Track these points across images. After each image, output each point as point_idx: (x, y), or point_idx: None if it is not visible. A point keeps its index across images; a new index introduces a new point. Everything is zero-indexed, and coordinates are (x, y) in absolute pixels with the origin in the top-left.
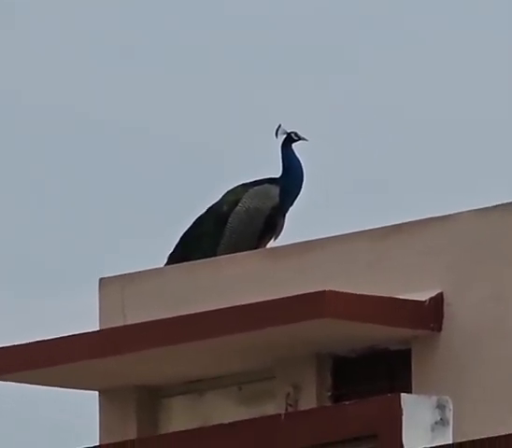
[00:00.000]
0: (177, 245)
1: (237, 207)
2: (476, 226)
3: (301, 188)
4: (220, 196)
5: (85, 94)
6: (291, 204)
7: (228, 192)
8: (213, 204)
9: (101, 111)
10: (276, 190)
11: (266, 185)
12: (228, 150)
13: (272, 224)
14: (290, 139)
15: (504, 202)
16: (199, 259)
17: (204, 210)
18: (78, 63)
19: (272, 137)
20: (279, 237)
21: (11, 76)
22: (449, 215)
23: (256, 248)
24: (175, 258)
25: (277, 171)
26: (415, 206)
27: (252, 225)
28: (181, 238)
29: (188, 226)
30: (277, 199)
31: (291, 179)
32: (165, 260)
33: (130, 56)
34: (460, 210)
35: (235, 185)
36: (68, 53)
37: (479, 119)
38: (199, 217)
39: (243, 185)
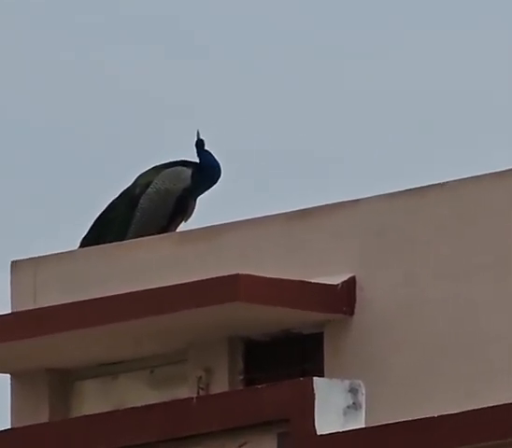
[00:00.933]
0: (90, 229)
1: (148, 189)
2: (386, 210)
3: (216, 180)
4: (133, 180)
5: None
6: (204, 191)
7: (140, 175)
8: (126, 188)
9: None
10: (188, 173)
11: (179, 167)
12: (143, 135)
13: (183, 206)
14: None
15: (414, 186)
16: (111, 242)
17: (117, 194)
18: None
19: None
20: (190, 220)
21: None
22: (360, 199)
23: (167, 230)
24: (88, 241)
25: (192, 155)
26: (327, 190)
27: (163, 206)
28: (94, 222)
29: (102, 210)
30: (189, 181)
31: (206, 170)
32: (79, 244)
33: None
34: (370, 194)
35: (148, 168)
36: None
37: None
38: (112, 201)
39: (155, 167)
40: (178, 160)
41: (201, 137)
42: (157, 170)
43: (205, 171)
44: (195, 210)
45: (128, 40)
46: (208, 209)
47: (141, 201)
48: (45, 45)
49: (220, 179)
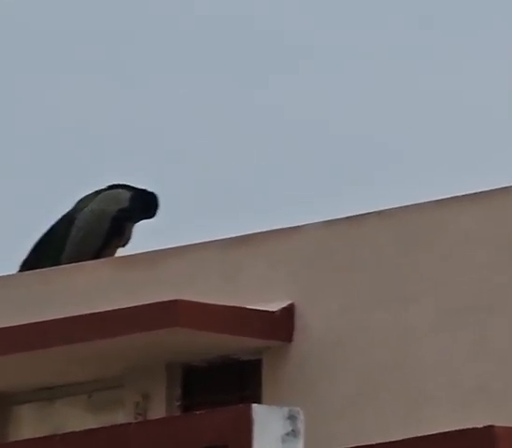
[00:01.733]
0: (29, 253)
1: (85, 209)
2: (324, 237)
3: (153, 209)
4: (74, 203)
5: None
6: (142, 218)
7: (81, 199)
8: (66, 212)
9: None
10: (125, 195)
11: (118, 190)
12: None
13: (118, 227)
14: None
15: (351, 214)
16: (51, 265)
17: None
18: None
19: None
20: (130, 246)
21: None
22: (298, 226)
23: (103, 251)
24: (27, 265)
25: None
26: (265, 217)
27: (97, 225)
28: (34, 245)
29: (41, 234)
30: (126, 203)
31: (145, 196)
32: (18, 268)
33: None
34: (309, 221)
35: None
36: None
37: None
38: (52, 225)
39: (96, 191)
40: (120, 183)
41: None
42: (97, 193)
43: (144, 196)
44: (133, 235)
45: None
46: (147, 235)
47: (76, 220)
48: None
49: (157, 210)
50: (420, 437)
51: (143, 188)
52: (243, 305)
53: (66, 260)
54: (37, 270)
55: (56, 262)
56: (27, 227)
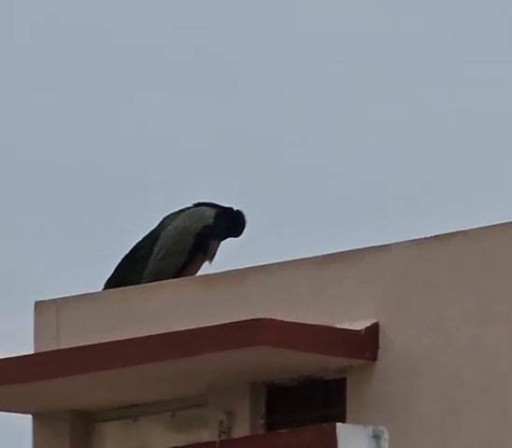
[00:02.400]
0: (114, 271)
1: (169, 226)
2: (411, 256)
3: (240, 228)
4: (160, 221)
5: None
6: (228, 236)
7: (166, 217)
8: (152, 230)
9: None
10: (210, 212)
11: (203, 207)
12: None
13: (203, 243)
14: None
15: (439, 233)
16: (135, 284)
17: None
18: None
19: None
20: (215, 264)
21: None
22: (386, 245)
23: (188, 268)
24: (112, 283)
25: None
26: (354, 235)
27: (181, 242)
28: (119, 263)
29: (127, 251)
30: (211, 220)
31: (232, 215)
32: (103, 286)
33: None
34: (397, 240)
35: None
36: None
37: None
38: (137, 243)
39: (181, 209)
40: (206, 202)
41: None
42: (182, 211)
43: (230, 214)
44: (218, 252)
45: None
46: (234, 252)
47: (160, 237)
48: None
49: (243, 229)
50: None
51: (229, 206)
52: (328, 324)
53: (149, 277)
54: (121, 288)
55: (139, 279)
56: (114, 245)
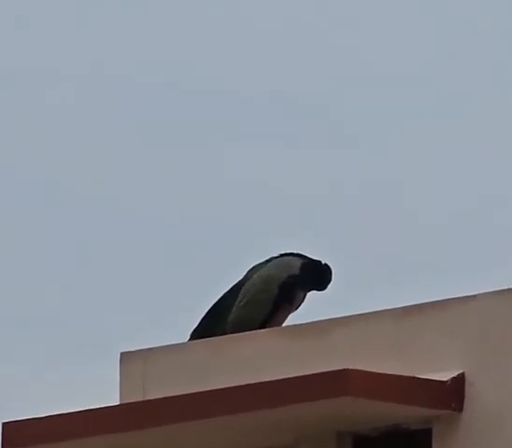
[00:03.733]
0: (200, 321)
1: (254, 275)
2: (497, 306)
3: (326, 281)
4: (246, 272)
5: None
6: (313, 287)
7: (252, 267)
8: (238, 281)
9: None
10: (296, 262)
11: (290, 257)
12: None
13: (288, 293)
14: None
15: None
16: (219, 334)
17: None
18: None
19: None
20: (300, 315)
21: None
22: (471, 295)
23: (273, 317)
24: (198, 333)
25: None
26: (437, 286)
27: (266, 291)
28: (205, 314)
29: (213, 302)
30: (297, 270)
31: (319, 268)
32: (189, 336)
33: None
34: (481, 291)
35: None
36: None
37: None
38: (223, 294)
39: (267, 260)
40: (293, 252)
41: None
42: (268, 261)
43: (316, 266)
44: (303, 304)
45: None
46: (317, 304)
47: (244, 286)
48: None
49: (329, 282)
50: None
51: (316, 258)
52: (413, 374)
53: (231, 325)
54: (208, 338)
55: (224, 329)
56: (199, 295)
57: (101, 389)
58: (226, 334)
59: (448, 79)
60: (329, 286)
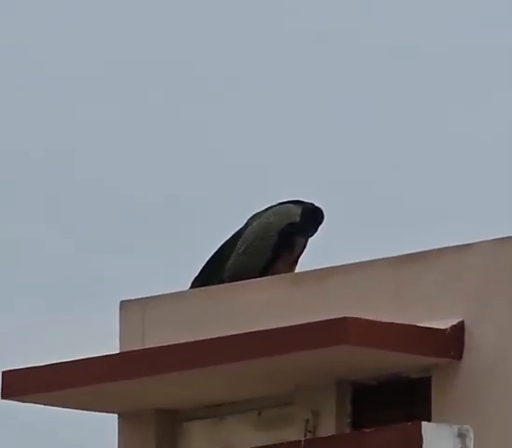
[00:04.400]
0: (201, 270)
1: (254, 223)
2: (496, 255)
3: (320, 220)
4: (246, 221)
5: None
6: (314, 232)
7: (252, 216)
8: (238, 229)
9: None
10: (296, 210)
11: (289, 205)
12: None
13: (288, 240)
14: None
15: None
16: (220, 282)
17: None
18: None
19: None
20: (302, 262)
21: None
22: (470, 243)
23: (274, 265)
24: (198, 282)
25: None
26: (436, 234)
27: (265, 238)
28: (205, 263)
29: (213, 251)
30: (297, 218)
31: (316, 210)
32: (189, 285)
33: None
34: (480, 239)
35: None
36: None
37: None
38: (223, 242)
39: (266, 208)
40: (293, 199)
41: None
42: (268, 209)
43: (314, 212)
44: (304, 251)
45: None
46: (317, 252)
47: (244, 234)
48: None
49: (319, 227)
50: None
51: (311, 202)
52: (412, 322)
53: (229, 271)
54: (207, 287)
55: (223, 277)
56: (201, 243)
57: (101, 338)
58: (225, 282)
59: None
60: (318, 230)
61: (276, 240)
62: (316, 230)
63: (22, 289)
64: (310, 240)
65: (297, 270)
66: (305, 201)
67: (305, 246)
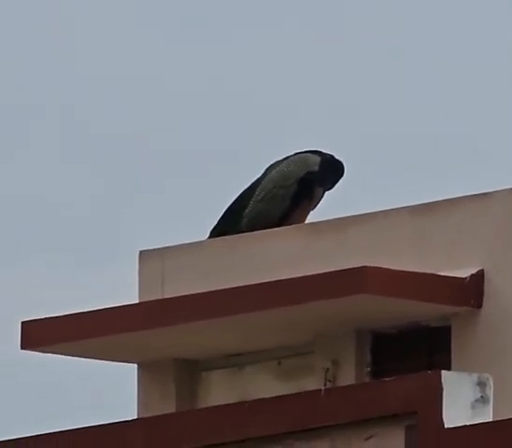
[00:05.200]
0: (219, 220)
1: (272, 171)
2: None
3: (341, 172)
4: (264, 170)
5: None
6: (332, 183)
7: (270, 166)
8: (256, 179)
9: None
10: (315, 159)
11: (308, 154)
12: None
13: (307, 189)
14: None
15: None
16: (238, 231)
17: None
18: None
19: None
20: (319, 213)
21: None
22: (488, 192)
23: (291, 214)
24: (217, 232)
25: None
26: (456, 183)
27: (284, 186)
28: (224, 213)
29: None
30: (316, 167)
31: (335, 162)
32: (208, 235)
33: None
34: (500, 188)
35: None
36: None
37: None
38: (242, 192)
39: (285, 158)
40: (313, 149)
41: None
42: (287, 158)
43: (334, 163)
44: (321, 201)
45: None
46: (335, 202)
47: (262, 182)
48: None
49: (339, 179)
50: None
51: (330, 154)
52: (432, 271)
53: (247, 217)
54: (226, 236)
55: (240, 226)
56: (220, 195)
57: (120, 288)
58: (242, 229)
59: None
60: (338, 182)
61: (295, 188)
62: (335, 182)
63: (40, 243)
64: (328, 192)
65: (311, 220)
66: (324, 151)
67: (321, 198)
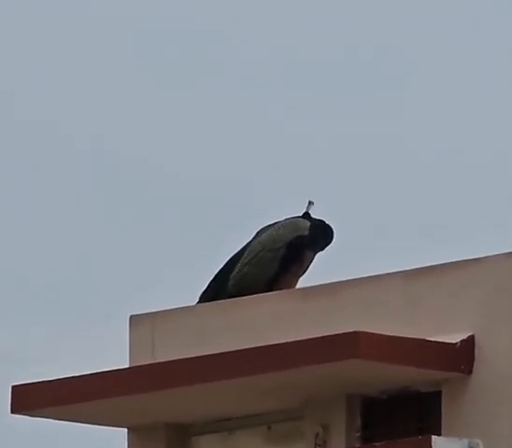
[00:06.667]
0: (209, 284)
1: (263, 235)
2: (507, 269)
3: (330, 236)
4: (254, 234)
5: None
6: (322, 247)
7: (260, 230)
8: (246, 243)
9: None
10: (305, 223)
11: (298, 218)
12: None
13: (297, 253)
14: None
15: None
16: (227, 296)
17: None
18: None
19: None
20: (310, 277)
21: None
22: (481, 257)
23: (280, 278)
24: (207, 296)
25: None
26: (446, 249)
27: (272, 250)
28: (214, 277)
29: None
30: (306, 231)
31: (324, 227)
32: (197, 299)
33: None
34: (491, 253)
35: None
36: None
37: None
38: (231, 256)
39: (275, 222)
40: (302, 215)
41: (308, 209)
42: (277, 222)
43: (323, 227)
44: (311, 265)
45: None
46: (326, 266)
47: (251, 244)
48: None
49: (329, 245)
50: None
51: (320, 218)
52: (423, 336)
53: (234, 279)
54: (217, 301)
55: (227, 288)
56: (209, 258)
57: (111, 352)
58: (229, 291)
59: None
60: (327, 247)
61: (283, 252)
62: (324, 247)
63: (28, 305)
64: (320, 255)
65: (303, 285)
66: (314, 216)
67: (311, 261)
